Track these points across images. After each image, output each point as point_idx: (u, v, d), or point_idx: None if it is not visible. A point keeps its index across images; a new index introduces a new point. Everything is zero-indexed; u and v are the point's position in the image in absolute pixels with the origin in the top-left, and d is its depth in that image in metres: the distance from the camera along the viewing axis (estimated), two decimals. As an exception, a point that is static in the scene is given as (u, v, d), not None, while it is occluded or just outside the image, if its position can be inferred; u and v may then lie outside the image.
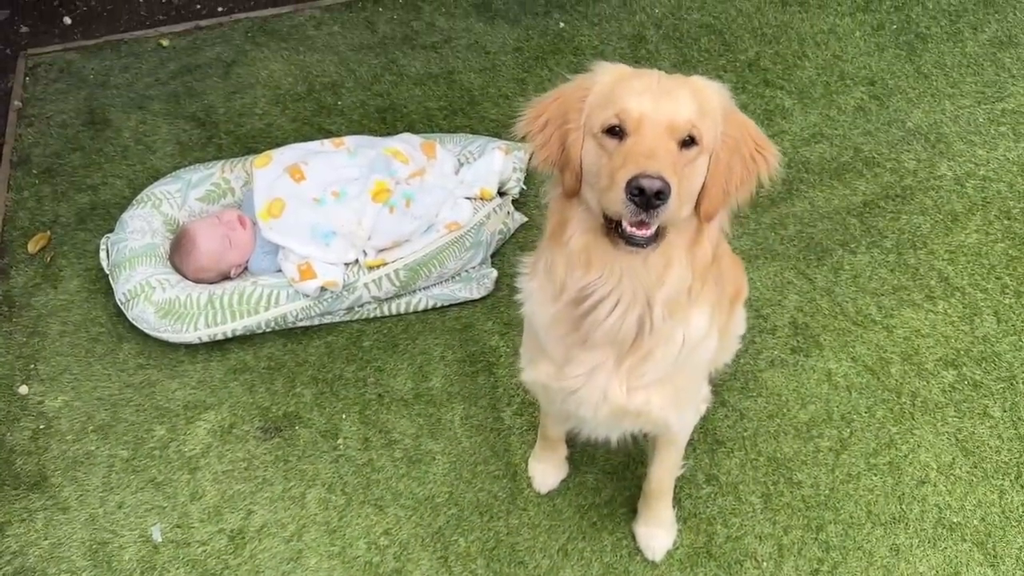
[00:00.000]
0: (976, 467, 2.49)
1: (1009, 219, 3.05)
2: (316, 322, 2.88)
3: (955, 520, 2.40)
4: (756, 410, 2.63)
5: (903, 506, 2.43)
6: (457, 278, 2.93)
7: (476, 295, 2.93)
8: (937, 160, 3.24)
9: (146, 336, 2.83)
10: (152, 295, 2.77)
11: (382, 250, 2.84)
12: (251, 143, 3.46)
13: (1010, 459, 2.50)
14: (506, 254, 3.08)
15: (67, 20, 4.18)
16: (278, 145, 3.15)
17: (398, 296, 2.89)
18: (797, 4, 3.87)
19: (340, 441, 2.63)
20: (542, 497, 2.49)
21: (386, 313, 2.91)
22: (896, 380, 2.67)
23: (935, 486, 2.46)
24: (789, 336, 2.79)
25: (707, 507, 2.45)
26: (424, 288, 2.90)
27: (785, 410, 2.63)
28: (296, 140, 3.32)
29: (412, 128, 3.43)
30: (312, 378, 2.78)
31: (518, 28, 3.87)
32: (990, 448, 2.52)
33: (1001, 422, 2.57)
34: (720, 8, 3.88)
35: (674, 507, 2.39)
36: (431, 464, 2.57)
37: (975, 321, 2.79)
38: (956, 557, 2.34)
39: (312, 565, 2.40)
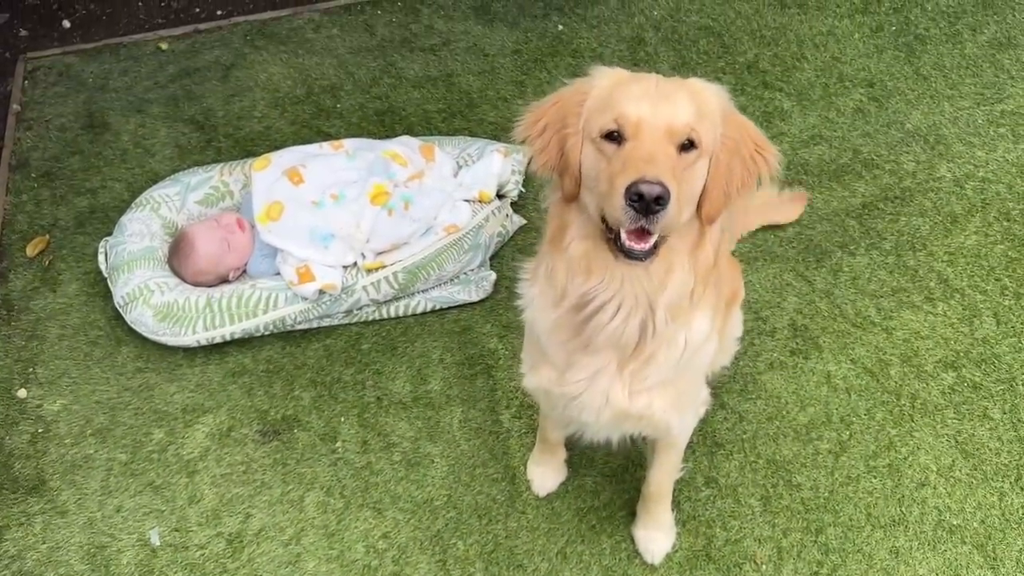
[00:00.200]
0: (976, 469, 2.49)
1: (1008, 220, 3.05)
2: (315, 325, 2.88)
3: (955, 522, 2.39)
4: (755, 412, 2.62)
5: (903, 508, 2.42)
6: (456, 280, 2.93)
7: (475, 297, 2.93)
8: (936, 162, 3.24)
9: (144, 339, 2.83)
10: (150, 298, 2.77)
11: (381, 253, 2.84)
12: (250, 146, 3.46)
13: (1010, 461, 2.50)
14: (505, 256, 3.07)
15: (66, 24, 4.18)
16: (277, 148, 3.15)
17: (397, 299, 2.89)
18: (796, 6, 3.87)
19: (338, 444, 2.63)
20: (541, 500, 2.48)
21: (385, 316, 2.90)
22: (895, 382, 2.67)
23: (935, 488, 2.46)
24: (788, 338, 2.79)
25: (706, 510, 2.44)
26: (423, 291, 2.90)
27: (784, 412, 2.62)
28: (295, 143, 3.32)
29: (411, 131, 3.43)
30: (311, 381, 2.78)
31: (517, 31, 3.87)
32: (990, 450, 2.52)
33: (1001, 424, 2.57)
34: (719, 10, 3.88)
35: (673, 510, 2.38)
36: (430, 467, 2.57)
37: (975, 323, 2.79)
38: (956, 559, 2.33)
39: (310, 568, 2.39)
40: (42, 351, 2.88)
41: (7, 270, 3.12)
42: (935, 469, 2.49)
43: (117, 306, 2.85)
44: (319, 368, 2.80)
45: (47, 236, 3.20)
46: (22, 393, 2.78)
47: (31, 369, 2.84)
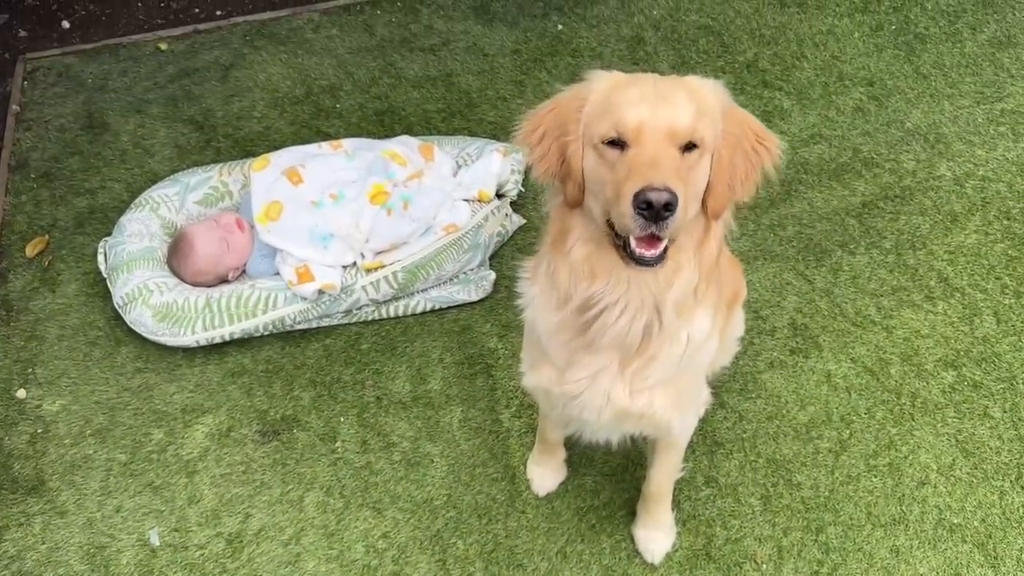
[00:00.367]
0: (976, 468, 2.48)
1: (1008, 219, 3.04)
2: (314, 325, 2.88)
3: (955, 521, 2.39)
4: (755, 412, 2.62)
5: (903, 507, 2.42)
6: (455, 280, 2.93)
7: (474, 297, 2.92)
8: (936, 160, 3.24)
9: (144, 340, 2.83)
10: (150, 298, 2.77)
11: (380, 252, 2.84)
12: (249, 146, 3.46)
13: (1010, 460, 2.49)
14: (504, 256, 3.07)
15: (65, 24, 4.18)
16: (276, 148, 3.15)
17: (396, 299, 2.88)
18: (795, 5, 3.87)
19: (338, 444, 2.63)
20: (541, 500, 2.48)
21: (384, 316, 2.90)
22: (896, 381, 2.67)
23: (935, 487, 2.45)
24: (788, 337, 2.78)
25: (706, 509, 2.44)
26: (422, 290, 2.90)
27: (784, 411, 2.62)
28: (294, 143, 3.31)
29: (410, 130, 3.43)
30: (310, 381, 2.77)
31: (516, 30, 3.87)
32: (990, 449, 2.52)
33: (1001, 423, 2.57)
34: (718, 9, 3.87)
35: (673, 509, 2.38)
36: (429, 467, 2.57)
37: (975, 322, 2.79)
38: (956, 558, 2.33)
39: (310, 568, 2.39)
40: (41, 351, 2.88)
41: (6, 270, 3.12)
42: (935, 468, 2.49)
43: (116, 306, 2.84)
44: (319, 368, 2.80)
45: (46, 236, 3.20)
46: (21, 393, 2.78)
47: (30, 369, 2.84)
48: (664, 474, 2.24)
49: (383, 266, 2.81)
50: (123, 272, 2.83)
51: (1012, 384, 2.64)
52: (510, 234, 3.11)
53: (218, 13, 4.15)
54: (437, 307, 2.92)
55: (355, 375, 2.78)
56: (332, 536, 2.45)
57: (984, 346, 2.73)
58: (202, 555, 2.43)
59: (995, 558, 2.33)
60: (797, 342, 2.77)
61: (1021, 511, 2.40)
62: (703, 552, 2.37)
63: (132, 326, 2.81)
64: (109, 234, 3.01)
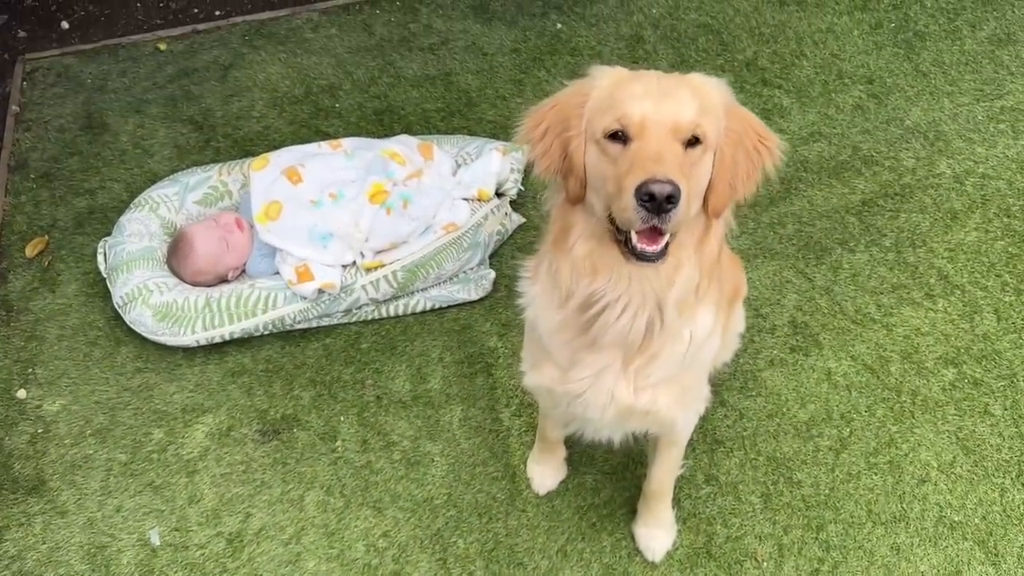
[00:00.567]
0: (977, 465, 2.48)
1: (1008, 216, 3.04)
2: (314, 324, 2.88)
3: (956, 519, 2.39)
4: (755, 410, 2.62)
5: (904, 505, 2.42)
6: (455, 279, 2.93)
7: (474, 296, 2.92)
8: (936, 158, 3.24)
9: (144, 339, 2.83)
10: (150, 298, 2.77)
11: (380, 252, 2.84)
12: (248, 146, 3.46)
13: (1011, 457, 2.49)
14: (504, 255, 3.07)
15: (65, 25, 4.18)
16: (275, 148, 3.15)
17: (396, 298, 2.88)
18: (795, 3, 3.86)
19: (338, 443, 2.63)
20: (541, 498, 2.48)
21: (384, 315, 2.90)
22: (896, 379, 2.66)
23: (936, 485, 2.45)
24: (788, 335, 2.78)
25: (707, 507, 2.44)
26: (422, 290, 2.90)
27: (784, 409, 2.62)
28: (293, 142, 3.31)
29: (409, 130, 3.43)
30: (310, 380, 2.77)
31: (515, 29, 3.87)
32: (991, 446, 2.51)
33: (1002, 420, 2.56)
34: (717, 8, 3.87)
35: (674, 507, 2.38)
36: (430, 466, 2.57)
37: (975, 319, 2.78)
38: (957, 556, 2.33)
39: (311, 568, 2.39)
40: (41, 351, 2.88)
41: (6, 271, 3.12)
42: (936, 465, 2.49)
43: (116, 306, 2.84)
44: (319, 367, 2.80)
45: (46, 237, 3.20)
46: (21, 394, 2.78)
47: (30, 370, 2.84)
48: (665, 471, 2.24)
49: (383, 265, 2.81)
50: (123, 272, 2.83)
51: (1012, 381, 2.64)
52: (510, 233, 3.11)
53: (217, 13, 4.15)
54: (437, 306, 2.92)
55: (355, 374, 2.78)
56: (333, 535, 2.45)
57: (984, 343, 2.73)
58: (202, 555, 2.43)
59: (996, 555, 2.32)
60: (797, 340, 2.77)
61: (1022, 508, 2.40)
62: (704, 550, 2.37)
63: (132, 326, 2.81)
64: (109, 234, 3.01)
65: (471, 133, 3.41)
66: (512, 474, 2.53)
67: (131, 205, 3.04)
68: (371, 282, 2.80)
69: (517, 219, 3.13)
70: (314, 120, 3.57)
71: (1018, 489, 2.43)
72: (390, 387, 2.74)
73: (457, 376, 2.75)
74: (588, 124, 1.59)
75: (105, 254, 2.94)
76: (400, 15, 4.00)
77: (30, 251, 3.15)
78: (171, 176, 3.15)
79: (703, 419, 2.53)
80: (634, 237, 1.54)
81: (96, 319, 2.95)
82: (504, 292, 2.94)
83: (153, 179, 3.26)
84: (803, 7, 3.85)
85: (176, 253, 2.89)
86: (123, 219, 2.99)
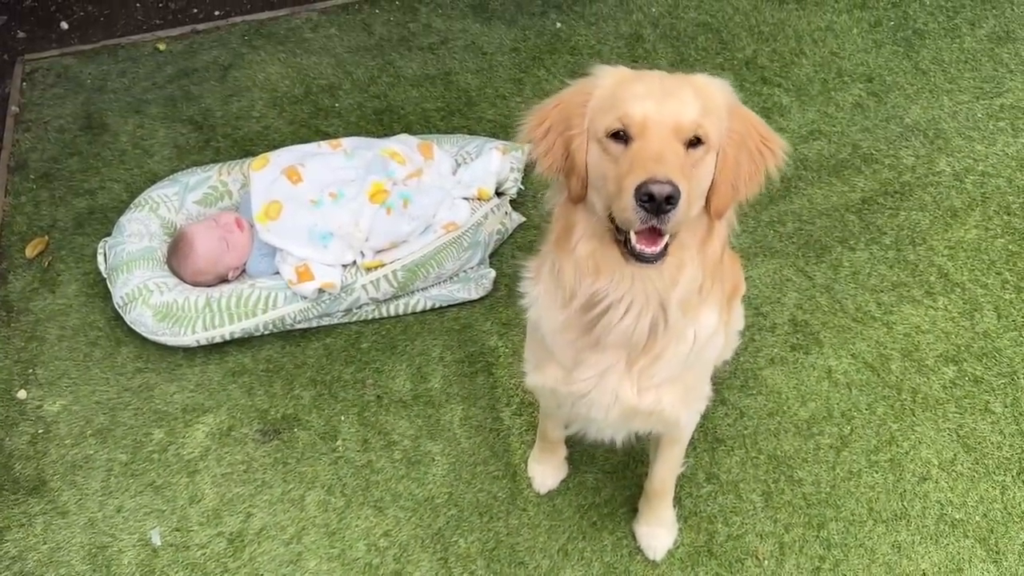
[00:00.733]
0: (978, 463, 2.48)
1: (1008, 214, 3.04)
2: (314, 324, 2.88)
3: (957, 516, 2.39)
4: (756, 408, 2.62)
5: (904, 503, 2.42)
6: (455, 279, 2.93)
7: (474, 295, 2.92)
8: (936, 156, 3.24)
9: (144, 339, 2.83)
10: (150, 298, 2.77)
11: (380, 251, 2.84)
12: (248, 146, 3.46)
13: (1011, 455, 2.49)
14: (504, 254, 3.07)
15: (64, 25, 4.18)
16: (275, 147, 3.15)
17: (396, 297, 2.88)
18: (794, 1, 3.86)
19: (339, 443, 2.63)
20: (542, 497, 2.48)
21: (384, 314, 2.90)
22: (896, 377, 2.66)
23: (936, 483, 2.45)
24: (789, 333, 2.78)
25: (708, 506, 2.44)
26: (422, 289, 2.90)
27: (785, 408, 2.62)
28: (293, 142, 3.31)
29: (409, 129, 3.43)
30: (311, 380, 2.77)
31: (515, 28, 3.87)
32: (991, 444, 2.51)
33: (1002, 418, 2.56)
34: (717, 6, 3.87)
35: (674, 506, 2.38)
36: (430, 465, 2.57)
37: (975, 317, 2.79)
38: (958, 553, 2.33)
39: (312, 567, 2.39)
40: (42, 352, 2.88)
41: (6, 271, 3.11)
42: (937, 463, 2.49)
43: (116, 306, 2.84)
44: (319, 367, 2.80)
45: (46, 237, 3.20)
46: (22, 394, 2.78)
47: (31, 370, 2.84)
48: (667, 469, 2.24)
49: (383, 265, 2.81)
50: (123, 272, 2.83)
51: (1013, 379, 2.64)
52: (510, 232, 3.11)
53: (216, 13, 4.15)
54: (437, 305, 2.92)
55: (355, 374, 2.78)
56: (333, 535, 2.45)
57: (985, 341, 2.73)
58: (203, 555, 2.43)
59: (997, 553, 2.33)
60: (797, 338, 2.77)
61: (1023, 506, 2.40)
62: (705, 548, 2.37)
63: (132, 326, 2.81)
64: (109, 234, 3.01)
65: (471, 132, 3.41)
66: (513, 473, 2.53)
67: (131, 205, 3.04)
68: (371, 281, 2.80)
69: (517, 218, 3.13)
70: (314, 120, 3.57)
71: (1019, 487, 2.43)
72: (391, 386, 2.74)
73: (458, 375, 2.75)
74: (590, 123, 1.59)
75: (105, 254, 2.94)
76: (399, 14, 4.00)
77: (30, 252, 3.15)
78: (171, 176, 3.15)
79: (704, 417, 2.53)
80: (633, 238, 1.54)
81: (96, 319, 2.95)
82: (504, 291, 2.94)
83: (153, 179, 3.26)
84: (802, 5, 3.85)
85: (176, 253, 2.89)
86: (123, 219, 2.99)
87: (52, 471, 2.61)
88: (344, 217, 2.79)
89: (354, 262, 2.82)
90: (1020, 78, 3.48)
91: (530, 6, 3.97)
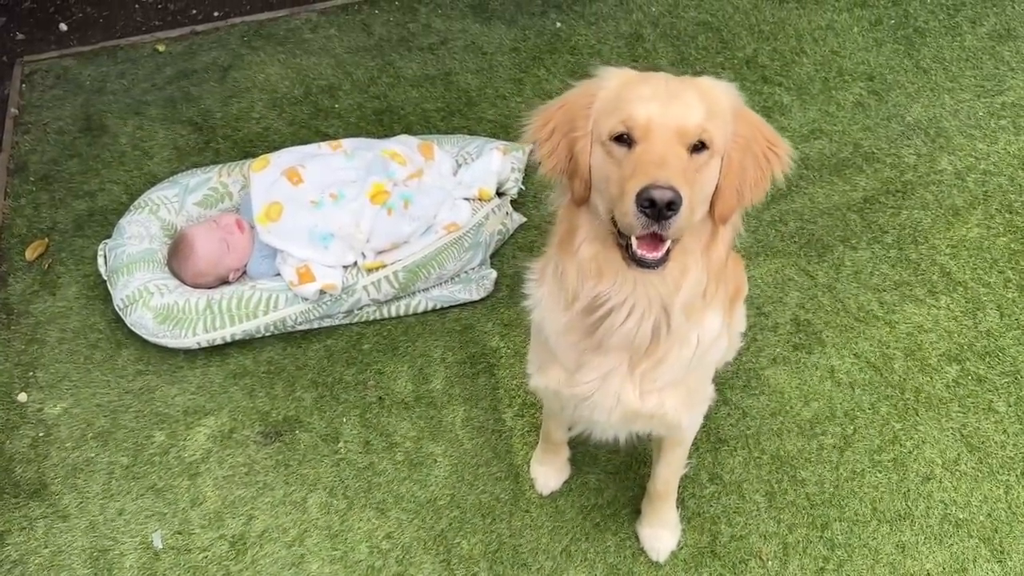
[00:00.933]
0: (981, 463, 2.48)
1: (1011, 213, 3.04)
2: (315, 325, 2.87)
3: (961, 516, 2.38)
4: (759, 408, 2.61)
5: (908, 503, 2.41)
6: (456, 279, 2.92)
7: (476, 296, 2.92)
8: (937, 154, 3.23)
9: (145, 342, 2.82)
10: (150, 300, 2.76)
11: (381, 252, 2.83)
12: (248, 147, 3.45)
13: (1015, 454, 2.49)
14: (505, 255, 3.06)
15: (63, 27, 4.17)
16: (275, 149, 3.15)
17: (397, 298, 2.87)
18: (794, 0, 3.86)
19: (341, 445, 2.62)
20: (544, 499, 2.48)
21: (385, 316, 2.89)
22: (899, 376, 2.66)
23: (940, 482, 2.45)
24: (791, 333, 2.77)
25: (711, 506, 2.43)
26: (423, 290, 2.89)
27: (788, 408, 2.61)
28: (293, 143, 3.30)
29: (409, 130, 3.42)
30: (312, 382, 2.77)
31: (515, 28, 3.86)
32: (995, 443, 2.51)
33: (1006, 417, 2.56)
34: (717, 5, 3.86)
35: (678, 507, 2.37)
36: (433, 467, 2.56)
37: (978, 316, 2.78)
38: (963, 553, 2.32)
39: (314, 570, 2.38)
40: (42, 355, 2.87)
41: (6, 274, 3.11)
42: (940, 463, 2.48)
43: (117, 309, 2.84)
44: (320, 369, 2.79)
45: (46, 239, 3.19)
46: (23, 397, 2.77)
47: (31, 373, 2.83)
48: (670, 471, 2.24)
49: (384, 266, 2.80)
50: (123, 274, 2.82)
51: (1016, 378, 2.64)
52: (511, 232, 3.10)
53: (216, 14, 4.14)
54: (438, 306, 2.91)
55: (357, 375, 2.77)
56: (336, 537, 2.44)
57: (988, 340, 2.72)
58: (205, 557, 2.42)
59: (1001, 552, 2.32)
60: (800, 338, 2.76)
61: (1027, 505, 2.40)
62: (708, 549, 2.36)
63: (133, 328, 2.80)
64: (109, 236, 3.00)
65: (471, 133, 3.41)
66: (515, 474, 2.53)
67: (131, 207, 3.04)
68: (372, 283, 2.79)
69: (518, 219, 3.12)
70: (314, 121, 3.56)
71: (1023, 486, 2.43)
72: (392, 388, 2.73)
73: (459, 376, 2.75)
74: (594, 125, 1.58)
75: (105, 256, 2.93)
76: (399, 15, 3.99)
77: (30, 254, 3.14)
78: (171, 178, 3.14)
79: (706, 418, 2.52)
80: (635, 243, 1.53)
81: (97, 322, 2.94)
82: (505, 292, 2.94)
83: (153, 181, 3.25)
84: (802, 4, 3.84)
85: (177, 255, 2.88)
86: (123, 221, 2.98)
87: (53, 474, 2.60)
88: (345, 218, 2.78)
89: (355, 263, 2.81)
90: (1021, 76, 3.47)
91: (530, 6, 3.96)
